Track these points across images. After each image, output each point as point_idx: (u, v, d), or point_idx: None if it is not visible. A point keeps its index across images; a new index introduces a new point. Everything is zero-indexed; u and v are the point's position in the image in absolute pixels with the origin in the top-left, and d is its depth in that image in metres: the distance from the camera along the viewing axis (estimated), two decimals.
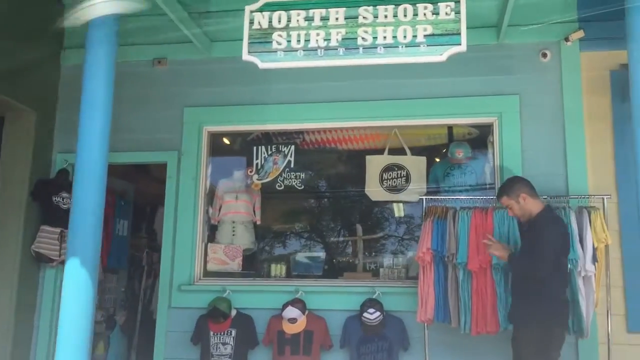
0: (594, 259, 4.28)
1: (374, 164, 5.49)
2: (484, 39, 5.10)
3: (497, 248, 4.11)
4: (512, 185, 4.15)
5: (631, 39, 3.80)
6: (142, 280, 6.53)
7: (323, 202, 6.42)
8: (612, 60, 4.86)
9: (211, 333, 4.90)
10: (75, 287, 3.63)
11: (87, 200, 3.73)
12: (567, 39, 4.92)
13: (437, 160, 5.70)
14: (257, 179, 5.54)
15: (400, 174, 5.44)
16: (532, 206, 4.04)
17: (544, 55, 5.01)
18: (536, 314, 3.85)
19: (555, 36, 4.99)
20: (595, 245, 4.31)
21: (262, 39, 3.83)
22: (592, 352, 4.54)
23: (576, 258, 4.20)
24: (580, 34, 4.86)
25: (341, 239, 6.16)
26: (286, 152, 5.53)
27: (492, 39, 5.11)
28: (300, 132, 5.69)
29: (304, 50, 3.78)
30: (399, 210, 6.12)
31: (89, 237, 3.70)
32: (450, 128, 5.67)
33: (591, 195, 4.60)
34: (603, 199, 4.52)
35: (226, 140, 5.90)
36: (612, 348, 4.42)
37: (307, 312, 4.86)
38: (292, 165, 5.55)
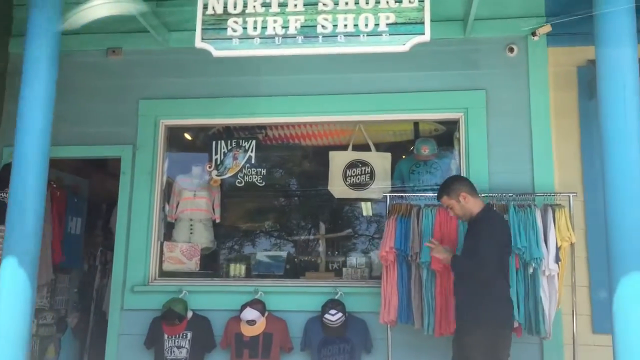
0: (557, 258, 4.19)
1: (338, 160, 5.34)
2: (450, 33, 4.98)
3: (439, 251, 4.00)
4: (452, 184, 4.05)
5: (598, 40, 3.71)
6: (95, 281, 6.25)
7: (285, 200, 6.24)
8: (580, 56, 4.80)
9: (165, 336, 4.69)
10: (12, 290, 3.39)
11: (26, 198, 3.49)
12: (534, 34, 4.82)
13: (403, 157, 5.56)
14: (217, 175, 5.32)
15: (365, 170, 5.29)
16: (472, 205, 3.95)
17: (511, 50, 4.91)
18: (483, 316, 3.73)
19: (522, 31, 4.89)
20: (559, 244, 4.22)
21: (216, 25, 3.62)
22: (557, 353, 4.46)
23: (540, 257, 4.12)
24: (548, 28, 4.77)
25: (303, 237, 5.98)
26: (247, 147, 5.31)
27: (458, 33, 5.00)
28: (262, 127, 5.52)
29: (260, 38, 3.59)
30: (367, 209, 5.99)
31: (28, 237, 3.46)
32: (416, 124, 5.56)
33: (557, 193, 4.53)
34: (569, 196, 4.44)
35: (188, 136, 5.71)
36: (578, 349, 4.35)
37: (266, 314, 4.69)
38: (253, 161, 5.34)
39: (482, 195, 4.51)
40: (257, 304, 4.67)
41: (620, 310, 3.43)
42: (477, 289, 3.77)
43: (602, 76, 3.67)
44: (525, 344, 4.40)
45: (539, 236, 4.17)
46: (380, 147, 5.49)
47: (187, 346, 4.68)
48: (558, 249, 4.19)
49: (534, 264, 4.12)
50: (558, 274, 4.19)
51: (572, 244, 4.34)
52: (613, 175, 3.56)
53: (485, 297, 3.75)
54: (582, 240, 4.57)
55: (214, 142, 5.36)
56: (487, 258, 3.70)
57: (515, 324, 4.16)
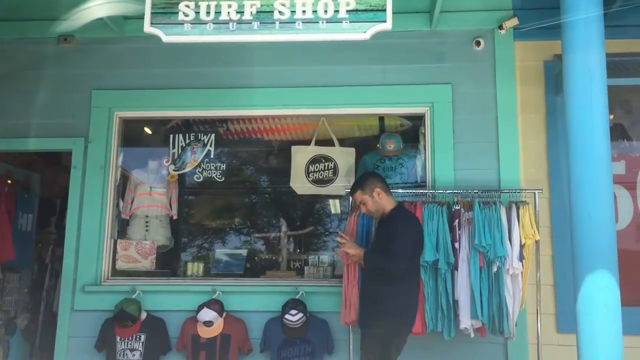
0: (521, 256, 4.09)
1: (300, 156, 5.16)
2: (416, 25, 4.88)
3: (351, 247, 3.94)
4: (367, 179, 4.05)
5: (566, 42, 3.68)
6: (46, 280, 5.97)
7: (246, 196, 6.06)
8: (546, 50, 4.73)
9: (117, 338, 4.48)
10: None
11: None
12: (501, 27, 4.73)
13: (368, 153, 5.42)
14: (174, 170, 5.11)
15: (328, 166, 5.14)
16: (386, 202, 3.95)
17: (478, 43, 4.81)
18: (387, 311, 3.73)
19: (489, 24, 4.81)
20: (523, 242, 4.12)
21: (167, 9, 3.41)
22: (521, 353, 4.37)
23: (505, 255, 4.02)
24: (515, 21, 4.68)
25: (265, 235, 5.79)
26: (206, 141, 5.11)
27: (424, 26, 4.88)
28: (223, 121, 5.33)
29: (214, 24, 3.39)
30: (335, 207, 5.85)
31: None
32: (381, 119, 5.44)
33: (522, 190, 4.43)
34: (534, 193, 4.35)
35: (144, 129, 5.48)
36: (542, 349, 4.26)
37: (224, 314, 4.51)
38: (212, 156, 5.15)
39: (447, 191, 4.43)
40: (215, 304, 4.49)
41: (585, 310, 3.40)
42: (386, 285, 3.76)
43: (569, 74, 3.64)
44: (489, 344, 4.33)
45: (504, 234, 4.06)
46: (345, 142, 5.35)
47: (140, 349, 4.48)
48: (522, 246, 4.10)
49: (498, 263, 4.01)
50: (522, 272, 4.09)
51: (536, 242, 4.25)
52: (579, 173, 3.54)
53: (393, 294, 3.74)
54: (548, 238, 4.49)
55: (171, 136, 5.15)
56: (400, 255, 3.71)
57: (479, 324, 4.07)
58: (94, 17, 4.62)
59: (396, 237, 3.75)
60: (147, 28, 3.43)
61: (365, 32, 3.34)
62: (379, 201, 3.93)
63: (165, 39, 3.40)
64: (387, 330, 3.74)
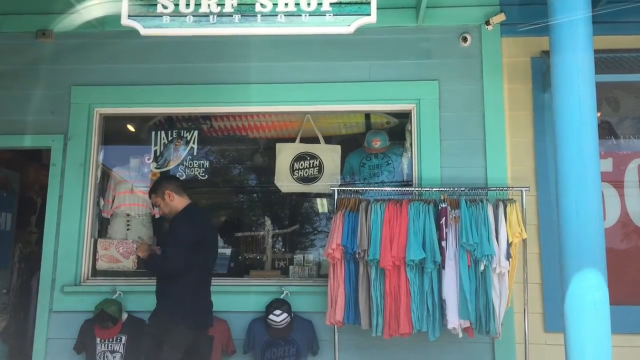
0: (508, 255, 4.03)
1: (285, 153, 5.07)
2: (402, 21, 4.82)
3: (142, 250, 4.14)
4: (159, 182, 4.20)
5: (553, 41, 3.63)
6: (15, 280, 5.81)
7: (230, 194, 5.95)
8: (534, 46, 4.69)
9: (97, 340, 4.39)
10: None
11: None
12: (487, 23, 4.67)
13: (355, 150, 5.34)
14: (156, 168, 5.00)
15: (313, 163, 5.05)
16: (177, 203, 4.07)
17: (465, 39, 4.75)
18: (160, 313, 3.88)
19: (476, 20, 4.76)
20: (510, 240, 4.06)
21: (145, 0, 3.32)
22: (508, 352, 4.34)
23: (492, 254, 3.95)
24: (502, 17, 4.63)
25: (249, 234, 5.67)
26: (188, 139, 5.02)
27: (410, 21, 4.82)
28: (206, 118, 5.22)
29: (193, 16, 3.29)
30: (322, 206, 5.76)
31: None
32: (367, 117, 5.35)
33: (509, 188, 4.37)
34: (522, 191, 4.29)
35: (125, 126, 5.36)
36: (529, 348, 4.22)
37: None
38: (194, 153, 5.06)
39: (434, 189, 4.36)
40: None
41: (573, 309, 3.34)
42: (160, 286, 3.94)
43: (557, 73, 3.59)
44: (476, 344, 4.29)
45: (491, 232, 4.00)
46: (330, 140, 5.26)
47: (121, 350, 4.39)
48: (509, 245, 4.04)
49: (485, 261, 3.95)
50: (508, 271, 4.03)
51: (524, 240, 4.19)
52: (566, 171, 3.48)
53: (164, 295, 3.89)
54: (535, 236, 4.45)
55: (153, 133, 5.05)
56: (167, 257, 3.87)
57: (467, 324, 4.01)
58: (92, 17, 4.67)
59: (170, 239, 3.90)
60: (125, 20, 3.32)
61: (349, 25, 3.26)
62: (170, 203, 4.06)
63: (143, 31, 3.29)
64: (159, 329, 3.84)
